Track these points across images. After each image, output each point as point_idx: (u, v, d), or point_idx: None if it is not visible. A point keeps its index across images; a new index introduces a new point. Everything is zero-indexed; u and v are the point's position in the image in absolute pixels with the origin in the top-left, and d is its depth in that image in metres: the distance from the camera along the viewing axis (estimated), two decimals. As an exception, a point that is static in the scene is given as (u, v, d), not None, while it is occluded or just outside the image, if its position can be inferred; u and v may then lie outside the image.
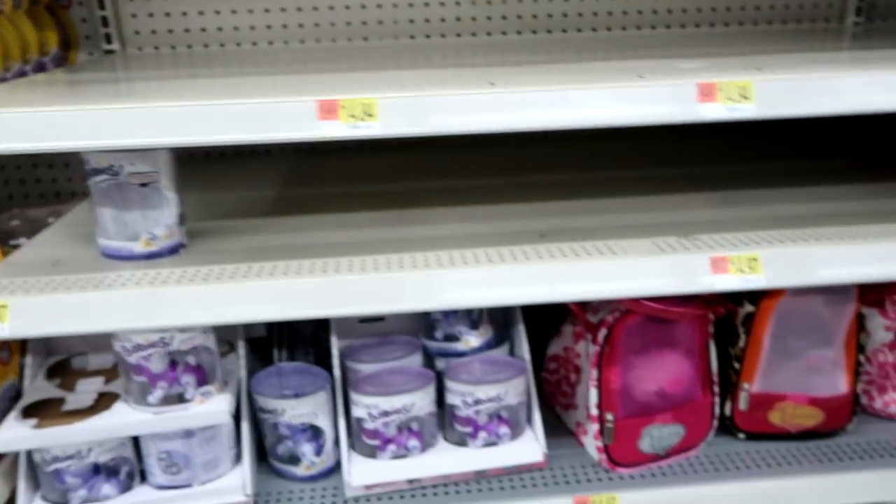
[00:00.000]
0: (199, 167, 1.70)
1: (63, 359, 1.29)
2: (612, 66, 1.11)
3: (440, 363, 1.33)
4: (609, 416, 1.22)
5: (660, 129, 1.84)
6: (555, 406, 1.39)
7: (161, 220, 1.12)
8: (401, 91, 0.96)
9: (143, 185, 1.09)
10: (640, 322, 1.19)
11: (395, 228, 1.23)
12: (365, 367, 1.29)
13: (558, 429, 1.36)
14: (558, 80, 0.98)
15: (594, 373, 1.21)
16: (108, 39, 1.63)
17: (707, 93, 0.97)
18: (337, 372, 1.26)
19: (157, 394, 1.12)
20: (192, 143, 0.94)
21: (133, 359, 1.10)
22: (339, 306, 1.07)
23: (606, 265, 1.07)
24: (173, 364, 1.12)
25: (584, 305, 1.27)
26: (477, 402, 1.23)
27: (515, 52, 1.43)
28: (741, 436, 1.31)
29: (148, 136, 0.94)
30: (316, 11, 1.67)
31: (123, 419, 1.12)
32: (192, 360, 1.13)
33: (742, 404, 1.27)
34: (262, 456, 1.30)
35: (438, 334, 1.33)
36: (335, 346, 1.28)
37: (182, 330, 1.10)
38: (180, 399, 1.13)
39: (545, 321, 1.40)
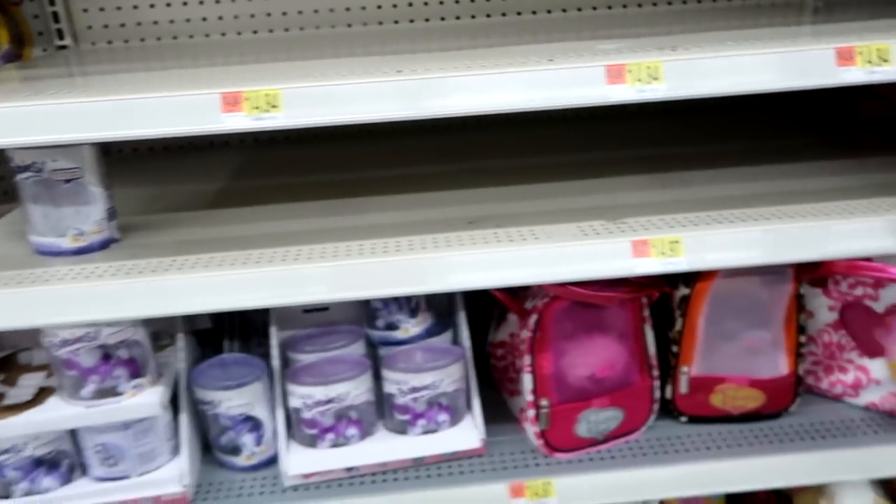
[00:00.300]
0: (140, 162, 1.70)
1: (8, 354, 1.31)
2: (528, 49, 1.09)
3: (382, 352, 1.33)
4: (544, 402, 1.22)
5: (596, 111, 1.80)
6: (502, 392, 1.39)
7: (89, 215, 1.13)
8: (305, 81, 0.95)
9: (68, 181, 1.10)
10: (568, 307, 1.18)
11: (330, 218, 1.23)
12: (307, 357, 1.30)
13: (506, 415, 1.35)
14: (467, 65, 0.97)
15: (527, 359, 1.21)
16: (61, 35, 1.63)
17: (616, 74, 0.96)
18: (275, 362, 1.27)
19: (89, 388, 1.13)
20: (94, 139, 0.94)
21: (62, 353, 1.11)
22: (272, 297, 1.08)
23: (526, 251, 1.06)
24: (106, 358, 1.13)
25: (526, 290, 1.27)
26: (413, 389, 1.23)
27: (439, 39, 1.41)
28: (683, 419, 1.30)
29: (52, 133, 0.94)
30: (266, 2, 1.66)
31: (56, 413, 1.14)
32: (123, 353, 1.14)
33: (682, 387, 1.26)
34: (210, 447, 1.31)
35: (380, 323, 1.33)
36: (274, 336, 1.28)
37: (109, 324, 1.11)
38: (113, 392, 1.14)
39: (492, 308, 1.39)
